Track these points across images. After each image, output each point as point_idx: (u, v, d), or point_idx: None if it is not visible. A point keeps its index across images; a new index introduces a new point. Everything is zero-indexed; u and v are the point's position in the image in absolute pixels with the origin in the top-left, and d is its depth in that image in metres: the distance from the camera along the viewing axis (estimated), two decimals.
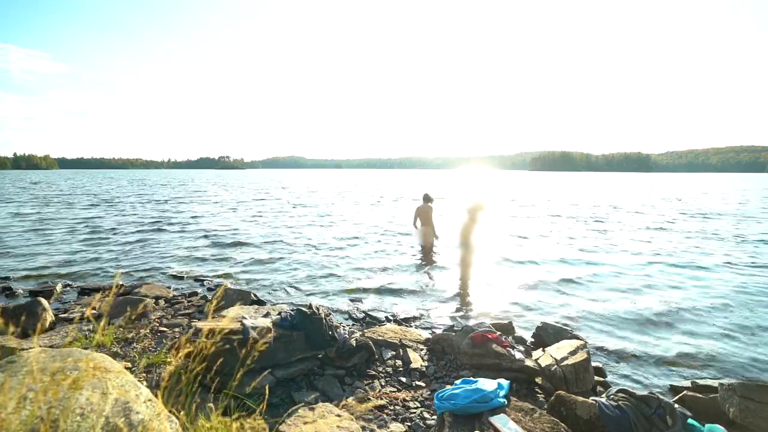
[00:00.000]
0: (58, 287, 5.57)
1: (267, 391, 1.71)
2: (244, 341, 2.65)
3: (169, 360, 3.20)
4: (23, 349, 2.13)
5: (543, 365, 3.13)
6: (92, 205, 18.25)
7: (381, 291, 5.73)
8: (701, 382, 3.28)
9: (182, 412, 1.79)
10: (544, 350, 3.41)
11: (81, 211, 15.78)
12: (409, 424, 2.58)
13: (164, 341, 3.70)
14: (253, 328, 2.97)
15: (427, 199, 7.94)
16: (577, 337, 3.85)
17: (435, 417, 2.61)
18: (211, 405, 1.88)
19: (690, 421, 2.37)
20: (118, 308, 4.33)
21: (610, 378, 3.46)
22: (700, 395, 2.92)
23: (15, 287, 5.63)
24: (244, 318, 3.20)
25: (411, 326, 4.36)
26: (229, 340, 2.51)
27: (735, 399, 2.61)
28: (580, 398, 2.51)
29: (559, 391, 2.62)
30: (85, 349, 2.06)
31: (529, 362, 3.17)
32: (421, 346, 3.68)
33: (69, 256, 7.79)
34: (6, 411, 1.31)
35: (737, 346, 4.06)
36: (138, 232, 10.73)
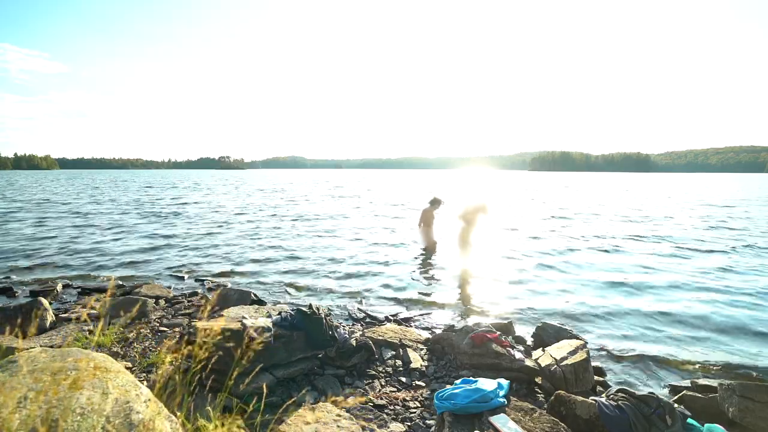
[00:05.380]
0: (58, 287, 5.57)
1: (265, 389, 1.71)
2: (240, 340, 2.65)
3: (169, 360, 3.20)
4: (23, 349, 2.13)
5: (543, 365, 3.14)
6: (97, 203, 18.26)
7: (381, 291, 5.73)
8: (701, 381, 3.28)
9: (180, 413, 1.80)
10: (543, 350, 3.41)
11: (84, 210, 15.80)
12: (409, 424, 2.59)
13: (164, 341, 3.70)
14: (254, 329, 2.97)
15: (434, 202, 7.87)
16: (576, 337, 3.85)
17: (435, 417, 2.61)
18: (209, 408, 1.89)
19: (689, 420, 2.37)
20: (119, 308, 4.33)
21: (609, 378, 3.46)
22: (700, 395, 2.92)
23: (15, 287, 5.64)
24: (244, 318, 3.21)
25: (411, 326, 4.36)
26: (227, 339, 2.51)
27: (734, 399, 2.61)
28: (580, 398, 2.51)
29: (559, 391, 2.63)
30: (86, 349, 2.06)
31: (528, 362, 3.17)
32: (421, 346, 3.68)
33: (70, 256, 7.79)
34: (6, 411, 1.31)
35: (737, 346, 4.07)
36: (140, 230, 10.74)
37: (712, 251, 8.54)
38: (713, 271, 6.87)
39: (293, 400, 2.54)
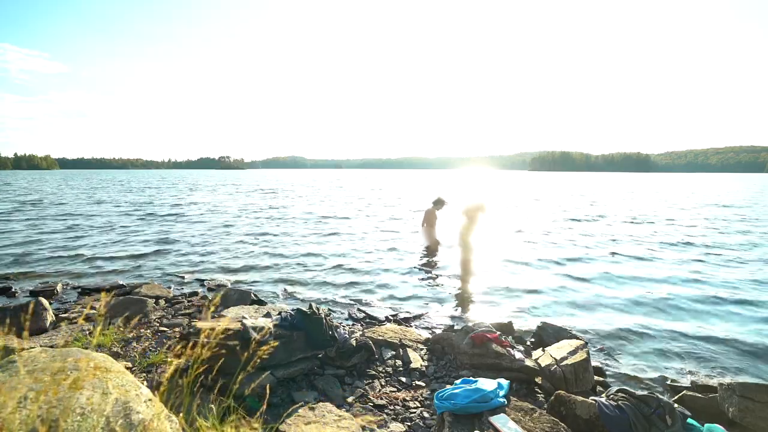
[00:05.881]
0: (58, 287, 5.57)
1: (268, 392, 1.71)
2: (245, 343, 2.65)
3: (170, 360, 3.20)
4: (23, 349, 2.13)
5: (543, 365, 3.14)
6: (96, 203, 18.26)
7: (381, 291, 5.73)
8: (701, 381, 3.29)
9: (181, 414, 1.80)
10: (543, 350, 3.42)
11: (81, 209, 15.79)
12: (409, 424, 2.59)
13: (164, 341, 3.70)
14: (254, 329, 2.97)
15: (437, 202, 7.84)
16: (576, 337, 3.85)
17: (435, 417, 2.61)
18: (212, 405, 1.88)
19: (689, 420, 2.37)
20: (119, 308, 4.33)
21: (609, 378, 3.46)
22: (700, 395, 2.92)
23: (15, 287, 5.64)
24: (244, 318, 3.21)
25: (411, 326, 4.36)
26: (229, 340, 2.51)
27: (734, 399, 2.61)
28: (580, 398, 2.51)
29: (559, 391, 2.63)
30: (86, 349, 2.06)
31: (528, 362, 3.17)
32: (421, 346, 3.68)
33: (70, 256, 7.79)
34: (6, 411, 1.31)
35: (737, 346, 4.06)
36: (140, 231, 10.74)
37: (724, 254, 8.48)
38: (724, 274, 6.87)
39: (299, 405, 2.55)
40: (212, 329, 2.55)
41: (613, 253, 8.16)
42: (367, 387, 3.01)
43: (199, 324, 3.21)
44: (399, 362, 3.39)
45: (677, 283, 6.15)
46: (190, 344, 1.70)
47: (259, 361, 1.77)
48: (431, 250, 7.98)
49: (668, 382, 3.38)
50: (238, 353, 2.22)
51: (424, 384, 3.08)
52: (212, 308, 2.05)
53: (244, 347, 2.37)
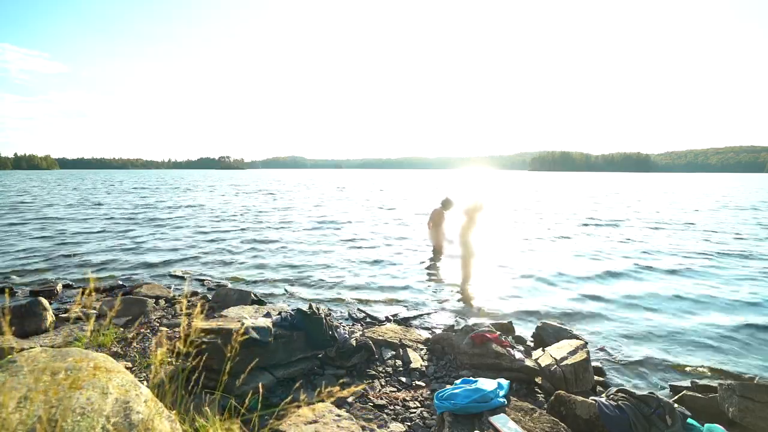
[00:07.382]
0: (58, 287, 5.56)
1: (261, 389, 1.71)
2: (227, 336, 2.64)
3: (167, 359, 3.20)
4: (23, 349, 2.13)
5: (543, 365, 3.14)
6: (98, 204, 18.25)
7: (381, 291, 5.73)
8: (701, 381, 3.28)
9: (174, 411, 1.80)
10: (543, 350, 3.42)
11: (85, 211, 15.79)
12: (409, 423, 2.59)
13: (164, 341, 3.70)
14: (254, 329, 2.96)
15: (445, 203, 7.81)
16: (576, 337, 3.85)
17: (435, 417, 2.61)
18: (206, 408, 1.88)
19: (689, 420, 2.37)
20: (119, 308, 4.33)
21: (609, 377, 3.46)
22: (700, 395, 2.92)
23: (15, 287, 5.63)
24: (243, 318, 3.21)
25: (411, 326, 4.36)
26: (214, 336, 2.50)
27: (734, 399, 2.61)
28: (580, 398, 2.51)
29: (559, 391, 2.63)
30: (86, 348, 2.06)
31: (528, 362, 3.17)
32: (421, 346, 3.68)
33: (70, 257, 7.79)
34: (6, 411, 1.31)
35: (737, 346, 4.06)
36: (141, 231, 10.74)
37: (747, 257, 8.27)
38: (716, 273, 6.86)
39: (291, 397, 2.54)
40: (197, 327, 2.55)
41: (613, 256, 8.17)
42: (367, 387, 3.01)
43: (197, 324, 3.20)
44: (399, 362, 3.39)
45: (678, 284, 6.15)
46: (175, 341, 1.70)
47: (238, 347, 1.76)
48: (435, 251, 7.96)
49: (668, 382, 3.38)
50: (223, 348, 2.22)
51: (424, 384, 3.08)
52: (184, 301, 2.05)
53: (226, 341, 2.36)
